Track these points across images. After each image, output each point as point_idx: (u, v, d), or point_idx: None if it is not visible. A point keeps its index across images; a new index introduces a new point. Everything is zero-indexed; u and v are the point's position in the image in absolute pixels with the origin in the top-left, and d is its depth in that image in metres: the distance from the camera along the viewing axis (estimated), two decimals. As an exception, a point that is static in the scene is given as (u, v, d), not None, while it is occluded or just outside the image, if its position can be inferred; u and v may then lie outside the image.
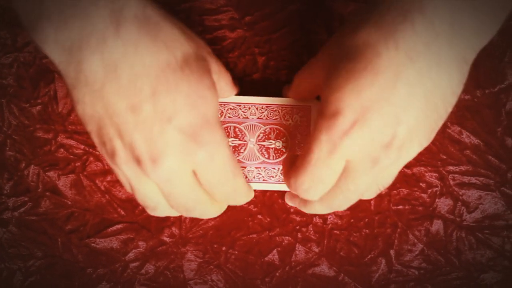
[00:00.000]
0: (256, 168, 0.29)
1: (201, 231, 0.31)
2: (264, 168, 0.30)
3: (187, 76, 0.21)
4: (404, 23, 0.20)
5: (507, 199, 0.31)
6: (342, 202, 0.24)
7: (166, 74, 0.21)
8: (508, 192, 0.31)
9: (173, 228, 0.31)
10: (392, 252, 0.31)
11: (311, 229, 0.31)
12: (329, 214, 0.31)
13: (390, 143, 0.21)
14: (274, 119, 0.29)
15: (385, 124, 0.21)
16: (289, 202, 0.29)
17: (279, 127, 0.30)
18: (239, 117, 0.29)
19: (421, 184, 0.31)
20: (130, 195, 0.31)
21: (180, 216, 0.31)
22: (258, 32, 0.31)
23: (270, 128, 0.30)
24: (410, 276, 0.31)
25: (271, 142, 0.30)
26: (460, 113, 0.31)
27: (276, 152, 0.29)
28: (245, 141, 0.30)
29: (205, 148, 0.22)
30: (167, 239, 0.31)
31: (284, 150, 0.29)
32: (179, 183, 0.22)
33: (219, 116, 0.24)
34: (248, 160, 0.29)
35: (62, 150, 0.31)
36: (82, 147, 0.32)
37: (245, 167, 0.29)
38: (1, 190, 0.32)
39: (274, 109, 0.29)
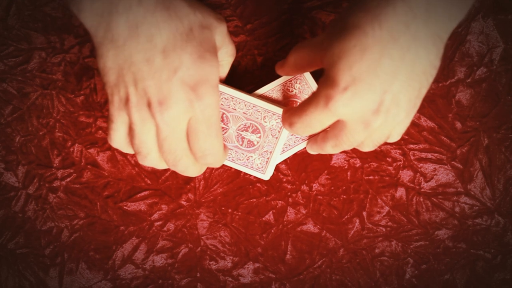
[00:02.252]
0: (229, 149, 0.35)
1: (211, 197, 0.39)
2: (235, 151, 0.35)
3: (191, 39, 0.26)
4: (387, 7, 0.23)
5: (456, 171, 0.38)
6: (346, 147, 0.28)
7: (175, 36, 0.25)
8: (457, 165, 0.38)
9: (189, 194, 0.39)
10: (364, 213, 0.38)
11: (300, 195, 0.39)
12: (314, 183, 0.38)
13: (378, 109, 0.24)
14: (256, 117, 0.34)
15: (373, 92, 0.24)
16: (310, 150, 0.35)
17: (257, 125, 0.34)
18: (229, 107, 0.34)
19: (387, 159, 0.38)
20: (155, 168, 0.39)
21: (195, 184, 0.39)
22: (257, 37, 0.38)
23: (250, 124, 0.34)
24: (379, 232, 0.38)
25: (247, 134, 0.34)
26: (419, 102, 0.38)
27: (248, 142, 0.35)
28: (228, 126, 0.34)
29: (201, 101, 0.26)
30: (184, 203, 0.39)
31: (255, 144, 0.35)
32: (175, 128, 0.26)
33: (219, 81, 0.27)
34: (225, 141, 0.35)
35: (100, 131, 0.39)
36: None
37: None
38: (52, 163, 0.39)
39: (258, 110, 0.34)
